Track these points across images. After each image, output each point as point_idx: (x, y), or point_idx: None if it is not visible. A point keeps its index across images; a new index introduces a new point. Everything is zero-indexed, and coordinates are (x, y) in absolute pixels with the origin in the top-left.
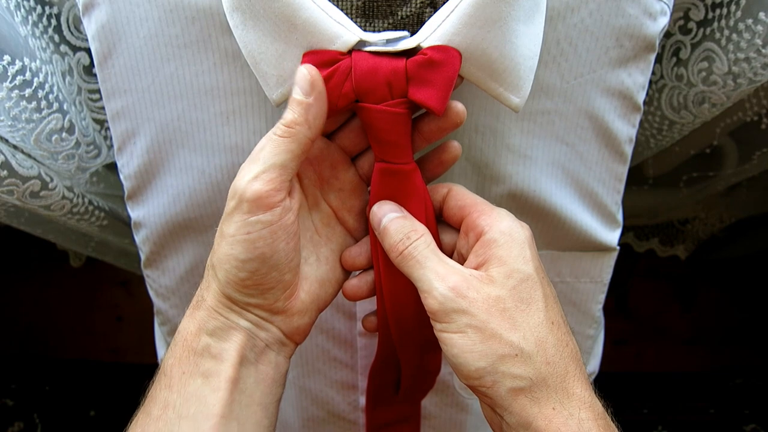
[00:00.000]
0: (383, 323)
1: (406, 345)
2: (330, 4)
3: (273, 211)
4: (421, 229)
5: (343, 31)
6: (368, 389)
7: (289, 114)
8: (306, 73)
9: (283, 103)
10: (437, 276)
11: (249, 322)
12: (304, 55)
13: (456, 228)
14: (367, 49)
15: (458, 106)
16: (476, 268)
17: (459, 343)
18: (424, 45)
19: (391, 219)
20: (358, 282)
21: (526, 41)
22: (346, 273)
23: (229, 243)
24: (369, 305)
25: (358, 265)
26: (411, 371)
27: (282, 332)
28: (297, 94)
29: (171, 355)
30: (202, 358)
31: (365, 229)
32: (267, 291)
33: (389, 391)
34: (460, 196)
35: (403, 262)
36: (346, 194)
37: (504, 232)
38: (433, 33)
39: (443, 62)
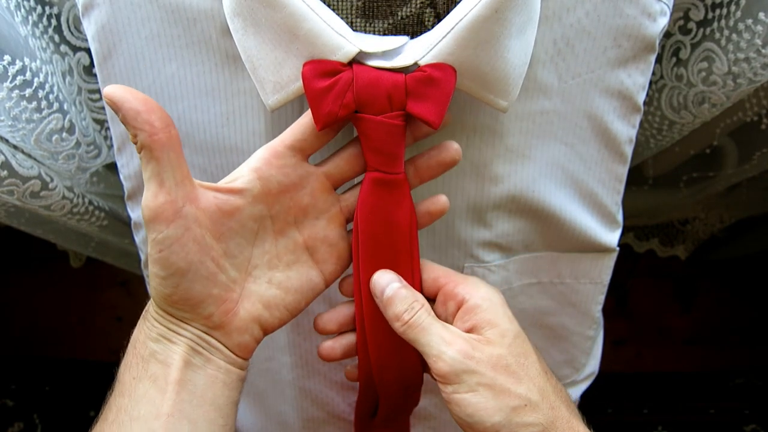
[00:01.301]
0: (365, 375)
1: (389, 394)
2: (332, 14)
3: (176, 224)
4: (421, 298)
5: (345, 43)
6: (355, 419)
7: (130, 131)
8: (112, 92)
9: (278, 109)
10: (443, 341)
11: (189, 333)
12: (305, 64)
13: (429, 298)
14: (368, 62)
15: (454, 146)
16: (466, 332)
17: (473, 401)
18: (421, 63)
19: (395, 289)
20: (332, 344)
21: (518, 52)
22: (300, 304)
23: (151, 263)
24: None
25: (328, 330)
26: (391, 408)
27: (225, 346)
28: (121, 113)
29: (123, 363)
30: (150, 364)
31: (335, 262)
32: (197, 306)
33: (370, 418)
34: (432, 269)
35: (408, 331)
36: (323, 224)
37: (484, 297)
38: (430, 52)
39: (441, 79)
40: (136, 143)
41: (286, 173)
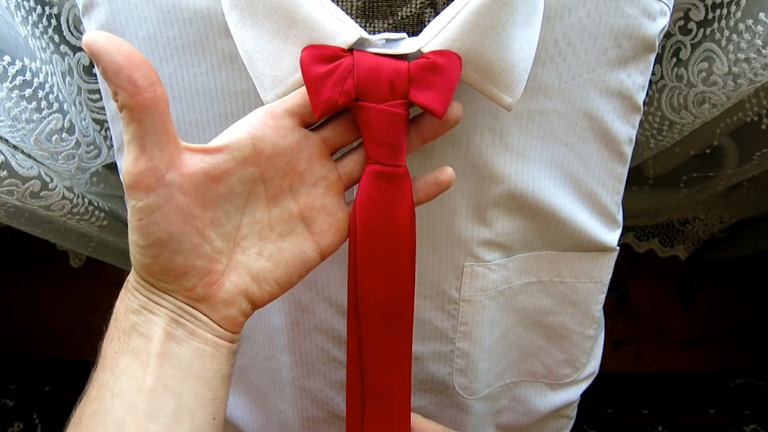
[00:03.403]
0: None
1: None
2: (330, 2)
3: (157, 192)
4: None
5: (344, 28)
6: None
7: (110, 88)
8: (92, 41)
9: None
10: None
11: (170, 303)
12: (304, 49)
13: None
14: (369, 49)
15: (456, 107)
16: None
17: None
18: (425, 50)
19: None
20: None
21: (523, 44)
22: (292, 278)
23: (130, 230)
24: None
25: None
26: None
27: (210, 319)
28: (102, 63)
29: (106, 336)
30: (131, 337)
31: (333, 234)
32: (179, 277)
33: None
34: (422, 427)
35: None
36: (320, 191)
37: None
38: (434, 38)
39: (446, 67)
40: (116, 101)
41: (282, 135)
